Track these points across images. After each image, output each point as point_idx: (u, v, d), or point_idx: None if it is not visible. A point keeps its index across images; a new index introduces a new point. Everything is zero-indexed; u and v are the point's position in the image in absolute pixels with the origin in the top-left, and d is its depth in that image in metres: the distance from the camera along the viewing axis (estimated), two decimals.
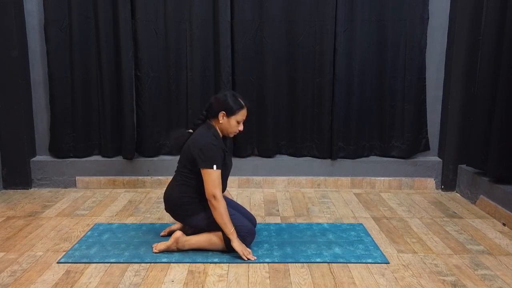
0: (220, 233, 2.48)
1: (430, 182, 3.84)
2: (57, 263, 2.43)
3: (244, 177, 3.84)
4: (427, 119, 3.83)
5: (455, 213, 3.27)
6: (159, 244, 2.56)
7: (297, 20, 3.68)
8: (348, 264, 2.42)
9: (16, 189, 3.77)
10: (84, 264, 2.41)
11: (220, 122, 2.48)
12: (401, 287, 2.19)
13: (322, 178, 3.86)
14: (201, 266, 2.39)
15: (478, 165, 3.40)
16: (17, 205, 3.38)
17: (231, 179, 3.74)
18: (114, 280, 2.24)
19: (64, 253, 2.55)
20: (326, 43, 3.66)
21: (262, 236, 2.76)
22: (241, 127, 2.55)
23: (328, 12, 3.62)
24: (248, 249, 2.48)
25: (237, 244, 2.43)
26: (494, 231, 2.91)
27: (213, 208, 2.40)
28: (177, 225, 2.76)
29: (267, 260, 2.45)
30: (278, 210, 3.30)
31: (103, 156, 3.88)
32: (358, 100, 3.78)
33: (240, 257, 2.43)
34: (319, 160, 3.86)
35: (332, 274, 2.32)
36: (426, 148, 3.87)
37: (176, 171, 2.61)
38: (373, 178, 3.85)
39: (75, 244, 2.67)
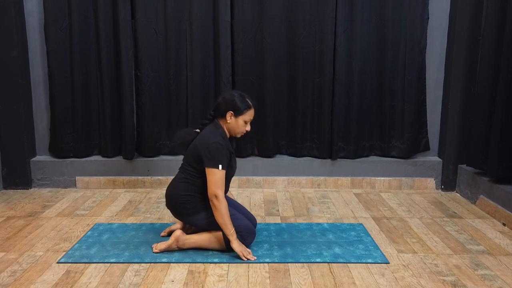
0: (220, 233, 2.48)
1: (430, 182, 3.84)
2: (57, 263, 2.43)
3: (244, 177, 3.84)
4: (427, 119, 3.83)
5: (455, 213, 3.27)
6: (159, 244, 2.56)
7: (297, 20, 3.68)
8: (348, 264, 2.42)
9: (16, 189, 3.77)
10: (84, 264, 2.41)
11: (228, 122, 2.49)
12: (401, 287, 2.19)
13: (322, 178, 3.86)
14: (201, 266, 2.39)
15: (478, 165, 3.40)
16: (17, 205, 3.38)
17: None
18: (114, 280, 2.24)
19: (64, 253, 2.55)
20: (326, 43, 3.66)
21: (262, 236, 2.76)
22: (248, 128, 2.55)
23: (328, 12, 3.62)
24: (247, 249, 2.48)
25: (236, 245, 2.43)
26: (494, 231, 2.91)
27: (214, 208, 2.40)
28: (177, 225, 2.76)
29: (267, 260, 2.45)
30: (278, 210, 3.30)
31: (103, 156, 3.88)
32: (358, 100, 3.78)
33: (240, 257, 2.43)
34: (319, 160, 3.86)
35: (332, 274, 2.32)
36: (426, 148, 3.87)
37: (180, 169, 2.61)
38: (373, 178, 3.85)
39: (75, 244, 2.67)
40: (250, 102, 2.52)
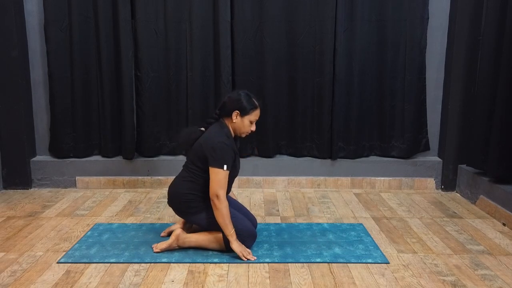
0: (220, 234, 2.48)
1: (430, 182, 3.84)
2: (57, 263, 2.43)
3: (244, 177, 3.84)
4: (427, 119, 3.83)
5: (455, 213, 3.27)
6: (160, 243, 2.56)
7: (297, 20, 3.68)
8: (348, 264, 2.42)
9: (16, 189, 3.77)
10: (84, 264, 2.41)
11: (234, 121, 2.48)
12: (401, 287, 2.19)
13: (322, 178, 3.86)
14: (201, 266, 2.39)
15: (478, 165, 3.40)
16: (17, 205, 3.38)
17: None
18: (114, 280, 2.24)
19: (64, 253, 2.55)
20: (326, 43, 3.66)
21: (262, 236, 2.76)
22: (253, 128, 2.55)
23: (328, 12, 3.62)
24: (247, 249, 2.48)
25: (236, 246, 2.43)
26: (494, 231, 2.91)
27: (215, 208, 2.39)
28: (177, 225, 2.75)
29: (267, 260, 2.45)
30: (278, 210, 3.30)
31: (103, 156, 3.88)
32: (358, 100, 3.78)
33: (240, 258, 2.43)
34: (319, 160, 3.86)
35: (332, 274, 2.32)
36: (426, 148, 3.87)
37: (184, 167, 2.60)
38: (373, 178, 3.85)
39: (75, 244, 2.67)
40: (256, 102, 2.52)
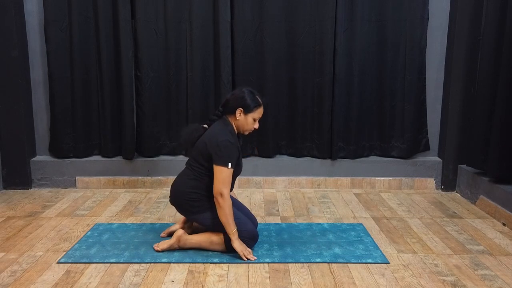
0: (221, 235, 2.48)
1: (430, 182, 3.84)
2: (57, 263, 2.43)
3: (244, 177, 3.84)
4: (427, 119, 3.83)
5: (455, 213, 3.27)
6: (161, 243, 2.56)
7: (297, 20, 3.68)
8: (348, 264, 2.42)
9: (16, 189, 3.77)
10: (84, 264, 2.41)
11: (237, 119, 2.47)
12: (401, 287, 2.19)
13: (322, 178, 3.86)
14: (201, 266, 2.39)
15: (478, 165, 3.40)
16: (17, 205, 3.38)
17: None
18: (114, 280, 2.24)
19: (64, 253, 2.55)
20: (326, 43, 3.66)
21: (262, 236, 2.76)
22: (256, 125, 2.54)
23: (328, 12, 3.62)
24: (248, 249, 2.48)
25: (237, 244, 2.42)
26: (494, 231, 2.91)
27: (219, 206, 2.39)
28: (177, 225, 2.75)
29: (267, 260, 2.45)
30: (278, 210, 3.30)
31: (103, 156, 3.88)
32: (358, 100, 3.78)
33: (240, 257, 2.43)
34: (319, 160, 3.86)
35: (332, 274, 2.32)
36: (426, 148, 3.87)
37: (187, 165, 2.58)
38: (373, 178, 3.85)
39: (75, 244, 2.67)
40: (260, 100, 2.50)
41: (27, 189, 3.79)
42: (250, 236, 2.50)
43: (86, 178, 3.83)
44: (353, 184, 3.85)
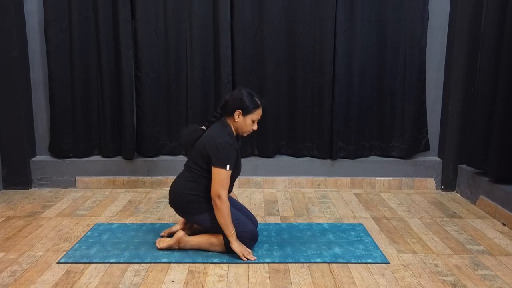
0: (221, 236, 2.48)
1: (430, 182, 3.84)
2: (57, 263, 2.43)
3: (244, 177, 3.84)
4: (427, 119, 3.83)
5: (455, 213, 3.27)
6: (162, 240, 2.57)
7: (297, 20, 3.68)
8: (348, 264, 2.42)
9: (16, 189, 3.77)
10: (84, 264, 2.41)
11: (236, 120, 2.47)
12: (401, 287, 2.19)
13: (322, 178, 3.86)
14: (201, 266, 2.39)
15: (478, 165, 3.40)
16: (17, 205, 3.38)
17: None
18: (114, 280, 2.24)
19: (64, 253, 2.55)
20: (326, 43, 3.66)
21: (262, 236, 2.76)
22: (255, 127, 2.54)
23: (328, 12, 3.62)
24: (248, 249, 2.47)
25: (236, 246, 2.42)
26: (494, 231, 2.91)
27: (216, 208, 2.39)
28: (177, 226, 2.75)
29: (267, 260, 2.45)
30: (278, 210, 3.30)
31: (103, 156, 3.88)
32: (358, 100, 3.78)
33: (240, 257, 2.43)
34: (319, 160, 3.86)
35: (332, 274, 2.32)
36: (426, 148, 3.87)
37: (185, 167, 2.58)
38: (373, 178, 3.85)
39: (75, 244, 2.67)
40: (258, 101, 2.50)
41: (27, 189, 3.79)
42: (250, 236, 2.50)
43: (86, 178, 3.83)
44: (353, 184, 3.85)
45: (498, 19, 3.17)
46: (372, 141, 3.90)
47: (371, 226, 2.98)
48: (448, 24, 3.71)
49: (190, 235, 2.59)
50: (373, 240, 2.73)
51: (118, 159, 3.86)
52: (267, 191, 3.80)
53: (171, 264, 2.41)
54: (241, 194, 3.70)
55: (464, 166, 3.66)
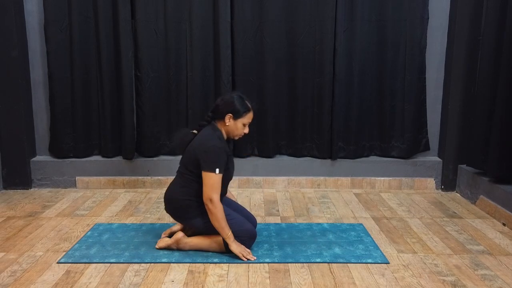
0: (220, 237, 2.47)
1: (430, 182, 3.84)
2: (57, 263, 2.43)
3: (244, 177, 3.84)
4: (427, 119, 3.83)
5: (455, 213, 3.27)
6: (160, 240, 2.57)
7: (297, 20, 3.68)
8: (348, 264, 2.42)
9: (16, 189, 3.77)
10: (84, 264, 2.41)
11: (227, 124, 2.47)
12: (401, 287, 2.19)
13: (322, 178, 3.86)
14: (201, 266, 2.39)
15: (478, 165, 3.40)
16: (17, 205, 3.38)
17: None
18: (114, 280, 2.24)
19: (64, 253, 2.55)
20: (326, 43, 3.66)
21: (262, 236, 2.76)
22: (246, 130, 2.53)
23: (328, 12, 3.62)
24: (247, 249, 2.47)
25: (234, 247, 2.42)
26: (494, 231, 2.91)
27: (209, 212, 2.39)
28: (178, 226, 2.75)
29: (267, 260, 2.45)
30: (278, 210, 3.30)
31: (103, 156, 3.88)
32: (358, 100, 3.78)
33: (240, 258, 2.44)
34: (319, 160, 3.86)
35: (332, 274, 2.32)
36: (426, 148, 3.87)
37: (178, 172, 2.59)
38: (373, 178, 3.85)
39: (75, 244, 2.67)
40: (249, 105, 2.50)
41: (27, 189, 3.79)
42: (248, 235, 2.50)
43: (86, 178, 3.83)
44: (353, 184, 3.85)
45: (498, 19, 3.17)
46: (372, 141, 3.90)
47: (371, 226, 2.98)
48: (448, 24, 3.71)
49: (190, 235, 2.60)
50: (373, 240, 2.73)
51: (118, 159, 3.86)
52: (267, 191, 3.80)
53: (171, 264, 2.41)
54: (241, 194, 3.70)
55: (464, 166, 3.66)
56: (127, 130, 3.75)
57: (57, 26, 3.63)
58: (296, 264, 2.42)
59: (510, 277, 2.30)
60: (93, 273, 2.31)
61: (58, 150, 3.82)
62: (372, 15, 3.67)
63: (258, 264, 2.41)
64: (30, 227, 2.95)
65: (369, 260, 2.46)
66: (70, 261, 2.44)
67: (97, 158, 3.89)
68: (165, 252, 2.53)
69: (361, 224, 3.01)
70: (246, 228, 2.51)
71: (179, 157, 2.87)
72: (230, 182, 2.63)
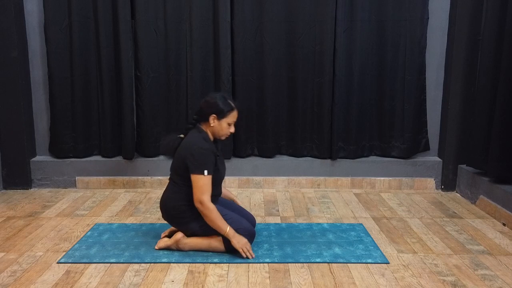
0: (219, 237, 2.48)
1: (430, 182, 3.84)
2: (57, 263, 2.43)
3: (244, 177, 3.84)
4: (427, 119, 3.83)
5: (455, 213, 3.27)
6: (160, 241, 2.57)
7: (297, 21, 3.68)
8: (348, 264, 2.42)
9: (16, 189, 3.77)
10: (84, 264, 2.41)
11: (212, 125, 2.46)
12: (401, 287, 2.19)
13: (322, 178, 3.86)
14: (201, 266, 2.39)
15: (478, 165, 3.40)
16: (17, 205, 3.38)
17: (231, 179, 3.75)
18: (114, 280, 2.24)
19: (64, 253, 2.55)
20: (326, 43, 3.66)
21: (262, 236, 2.76)
22: (232, 129, 2.52)
23: (328, 12, 3.62)
24: (248, 244, 2.46)
25: (235, 242, 2.42)
26: (494, 231, 2.91)
27: (203, 214, 2.40)
28: None
29: (267, 260, 2.45)
30: (278, 210, 3.30)
31: (103, 156, 3.88)
32: (358, 100, 3.78)
33: (240, 257, 2.44)
34: (319, 160, 3.86)
35: (332, 274, 2.32)
36: (426, 148, 3.87)
37: (170, 180, 2.59)
38: (373, 178, 3.85)
39: (75, 244, 2.67)
40: (232, 104, 2.49)
41: (27, 189, 3.79)
42: (246, 233, 2.49)
43: (86, 178, 3.83)
44: (353, 184, 3.85)
45: (498, 19, 3.17)
46: (372, 141, 3.90)
47: (371, 226, 2.98)
48: (448, 24, 3.71)
49: (190, 235, 2.59)
50: (373, 240, 2.73)
51: (118, 159, 3.86)
52: (267, 191, 3.80)
53: (171, 264, 2.41)
54: (241, 194, 3.70)
55: (464, 166, 3.66)
56: (127, 130, 3.75)
57: (57, 26, 3.63)
58: (296, 264, 2.42)
59: (510, 277, 2.30)
60: (93, 273, 2.31)
61: (58, 150, 3.82)
62: (372, 15, 3.67)
63: (258, 264, 2.41)
64: (30, 227, 2.95)
65: (369, 260, 2.46)
66: (70, 261, 2.44)
67: (97, 158, 3.89)
68: (165, 252, 2.53)
69: (361, 224, 3.01)
70: (244, 227, 2.50)
71: (171, 163, 2.88)
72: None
